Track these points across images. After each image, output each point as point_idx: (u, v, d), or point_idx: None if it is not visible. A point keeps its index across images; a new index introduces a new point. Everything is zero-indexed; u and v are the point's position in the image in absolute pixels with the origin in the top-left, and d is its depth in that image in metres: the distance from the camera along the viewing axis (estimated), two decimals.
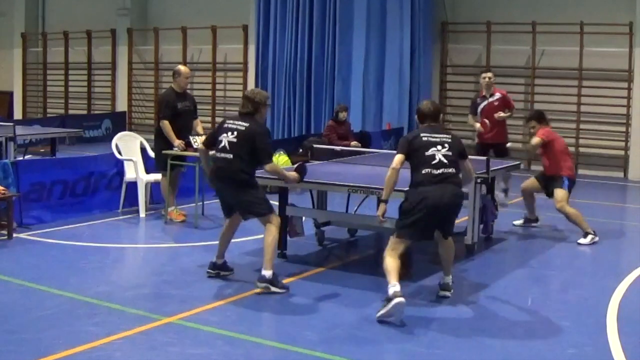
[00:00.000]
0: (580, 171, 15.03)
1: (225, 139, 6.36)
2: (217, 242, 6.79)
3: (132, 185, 9.53)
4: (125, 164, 9.63)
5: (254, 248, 7.69)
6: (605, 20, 14.36)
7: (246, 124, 6.36)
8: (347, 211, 8.27)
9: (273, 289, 6.22)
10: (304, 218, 7.90)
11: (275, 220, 6.42)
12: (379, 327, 5.52)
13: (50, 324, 5.38)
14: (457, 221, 8.49)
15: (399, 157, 6.04)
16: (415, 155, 6.03)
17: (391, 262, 5.82)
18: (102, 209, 9.57)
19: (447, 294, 6.33)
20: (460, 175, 6.17)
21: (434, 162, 5.99)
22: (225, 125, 6.47)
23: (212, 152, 6.60)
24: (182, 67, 9.29)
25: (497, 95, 10.51)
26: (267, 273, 6.23)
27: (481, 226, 8.09)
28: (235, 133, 6.35)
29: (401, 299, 5.53)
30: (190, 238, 8.30)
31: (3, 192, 8.06)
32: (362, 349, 5.10)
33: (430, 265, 7.27)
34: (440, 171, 5.97)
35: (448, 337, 5.40)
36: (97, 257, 7.45)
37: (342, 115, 12.69)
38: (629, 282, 6.90)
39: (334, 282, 6.73)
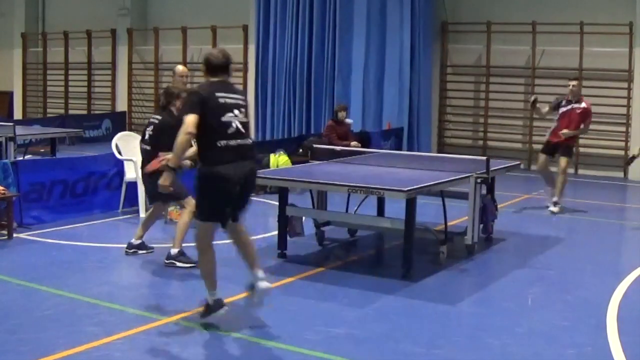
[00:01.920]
0: (580, 171, 15.05)
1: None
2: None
3: (132, 185, 9.53)
4: (125, 164, 9.63)
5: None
6: (605, 20, 14.36)
7: None
8: (347, 211, 8.27)
9: (179, 264, 6.93)
10: (304, 218, 7.90)
11: (190, 203, 6.66)
12: (379, 327, 5.52)
13: (50, 324, 5.38)
14: (457, 221, 8.63)
15: (192, 118, 5.00)
16: (208, 120, 5.07)
17: (207, 264, 5.37)
18: (102, 209, 9.57)
19: (261, 285, 5.37)
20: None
21: (230, 131, 5.12)
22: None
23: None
24: (178, 67, 9.36)
25: (583, 104, 10.51)
26: (173, 251, 7.01)
27: (481, 226, 8.08)
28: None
29: (225, 309, 5.37)
30: (190, 238, 8.27)
31: (3, 192, 8.06)
32: (362, 349, 5.10)
33: (430, 265, 7.28)
34: (237, 142, 5.15)
35: (448, 337, 5.40)
36: (97, 257, 7.45)
37: (342, 114, 12.68)
38: (629, 282, 6.90)
39: (334, 282, 6.73)
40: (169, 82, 9.59)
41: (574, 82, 10.57)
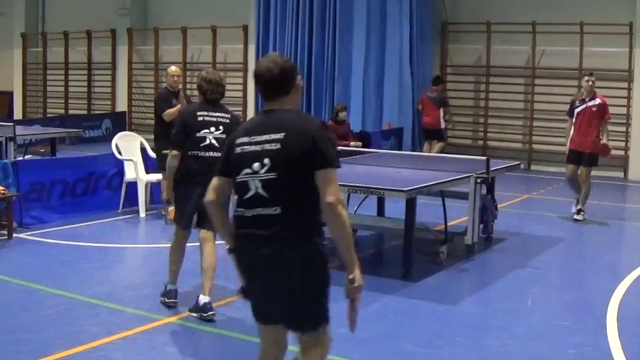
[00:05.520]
0: None
1: (209, 135, 5.52)
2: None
3: (132, 185, 9.53)
4: (125, 164, 9.63)
5: None
6: (605, 20, 14.35)
7: (228, 115, 5.69)
8: None
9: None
10: None
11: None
12: (379, 327, 5.52)
13: (50, 324, 5.38)
14: (457, 221, 8.63)
15: None
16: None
17: None
18: (102, 209, 9.56)
19: None
20: None
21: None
22: (200, 118, 5.54)
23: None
24: (170, 67, 9.38)
25: (597, 100, 9.74)
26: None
27: (481, 226, 8.09)
28: (222, 127, 5.58)
29: None
30: (190, 238, 8.28)
31: (3, 192, 8.06)
32: (362, 349, 5.10)
33: (430, 265, 7.28)
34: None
35: (448, 337, 5.40)
36: (97, 257, 7.45)
37: (342, 115, 12.66)
38: (629, 282, 6.90)
39: (333, 282, 6.68)
40: None
41: (591, 78, 9.73)
